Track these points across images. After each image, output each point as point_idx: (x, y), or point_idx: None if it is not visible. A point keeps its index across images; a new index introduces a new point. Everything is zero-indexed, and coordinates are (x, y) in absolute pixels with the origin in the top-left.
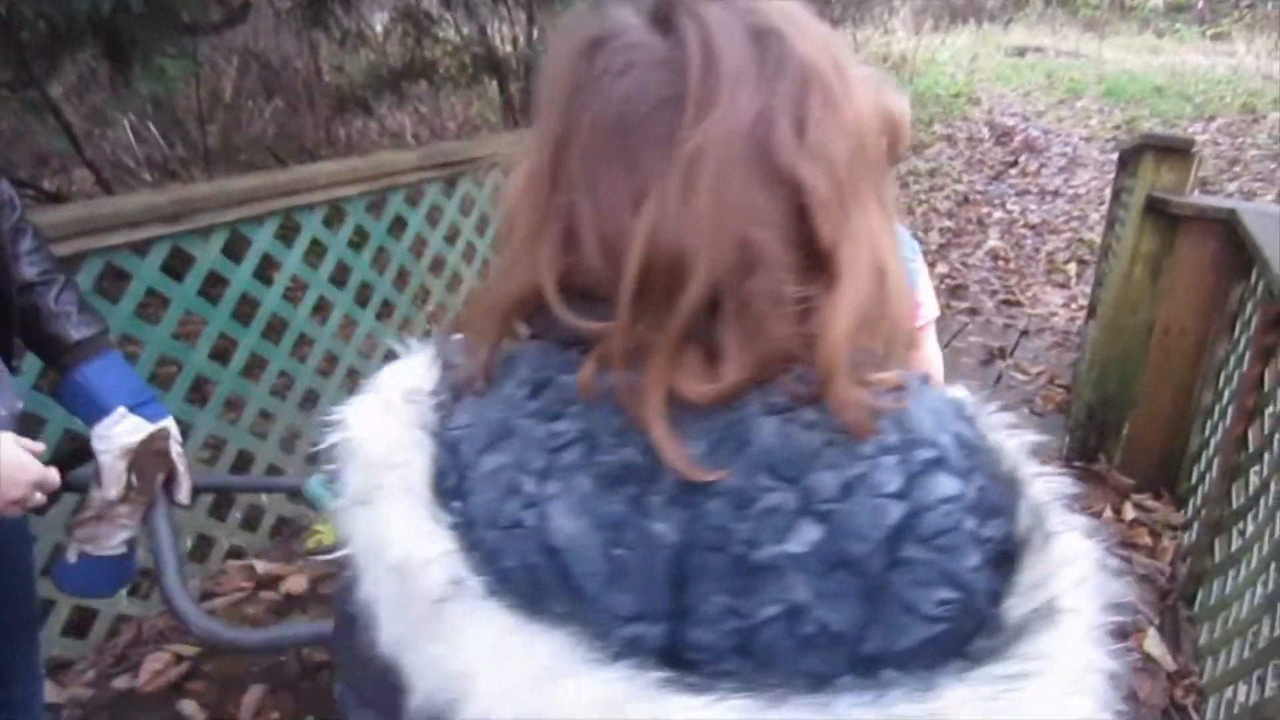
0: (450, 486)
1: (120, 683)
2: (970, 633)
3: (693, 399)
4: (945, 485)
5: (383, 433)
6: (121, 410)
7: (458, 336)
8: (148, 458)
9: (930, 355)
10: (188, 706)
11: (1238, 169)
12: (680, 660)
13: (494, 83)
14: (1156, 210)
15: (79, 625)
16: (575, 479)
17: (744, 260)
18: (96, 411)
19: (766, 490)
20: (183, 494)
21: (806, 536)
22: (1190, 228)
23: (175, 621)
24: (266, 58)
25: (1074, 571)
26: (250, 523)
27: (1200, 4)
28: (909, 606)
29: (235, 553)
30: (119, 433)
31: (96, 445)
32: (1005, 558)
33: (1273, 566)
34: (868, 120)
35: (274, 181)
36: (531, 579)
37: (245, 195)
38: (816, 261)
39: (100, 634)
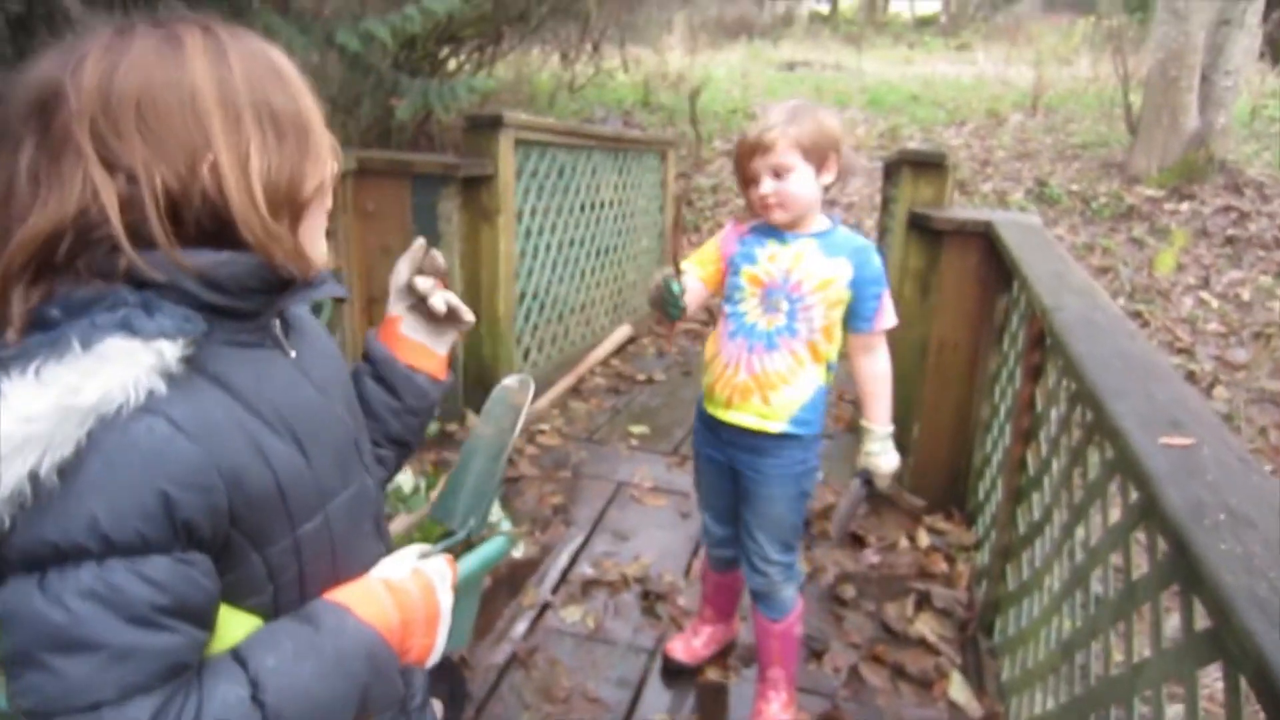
0: None
1: None
2: None
3: None
4: None
5: None
6: None
7: None
8: None
9: (881, 356)
10: None
11: (989, 170)
12: None
13: None
14: (919, 226)
15: None
16: None
17: None
18: None
19: None
20: None
21: None
22: (952, 242)
23: None
24: None
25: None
26: None
27: (944, 19)
28: None
29: None
30: None
31: None
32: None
33: (1064, 608)
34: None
35: None
36: None
37: None
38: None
39: None
